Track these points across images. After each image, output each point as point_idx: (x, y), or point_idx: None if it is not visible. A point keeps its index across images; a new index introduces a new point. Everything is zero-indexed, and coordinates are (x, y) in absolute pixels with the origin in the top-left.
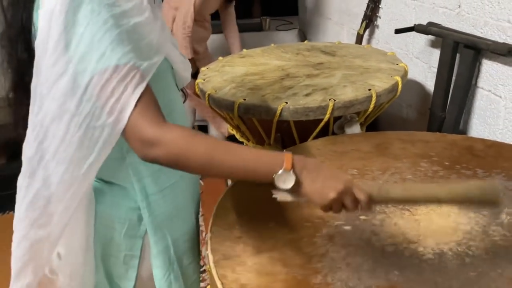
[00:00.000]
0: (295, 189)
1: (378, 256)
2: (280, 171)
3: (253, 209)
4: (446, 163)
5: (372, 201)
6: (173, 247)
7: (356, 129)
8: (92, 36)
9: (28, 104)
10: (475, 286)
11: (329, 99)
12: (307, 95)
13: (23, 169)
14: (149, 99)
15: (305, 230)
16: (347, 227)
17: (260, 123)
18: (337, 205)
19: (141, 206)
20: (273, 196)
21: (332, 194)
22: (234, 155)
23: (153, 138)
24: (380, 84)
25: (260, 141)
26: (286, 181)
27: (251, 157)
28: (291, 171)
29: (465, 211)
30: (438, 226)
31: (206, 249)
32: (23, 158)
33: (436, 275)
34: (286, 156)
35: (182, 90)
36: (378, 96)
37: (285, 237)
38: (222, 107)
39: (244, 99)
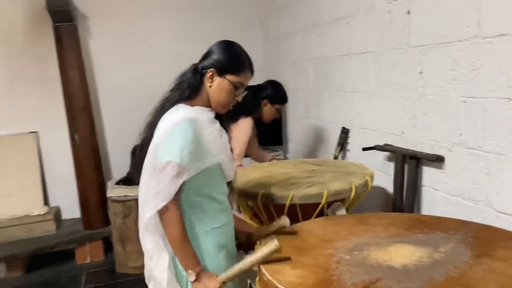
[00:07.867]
0: (194, 283)
1: (368, 267)
2: (191, 270)
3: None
4: (405, 226)
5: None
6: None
7: (343, 211)
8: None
9: (140, 156)
10: (425, 277)
11: (324, 190)
12: (308, 187)
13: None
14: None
15: (321, 259)
16: (347, 257)
17: (274, 207)
18: None
19: None
20: None
21: None
22: (183, 247)
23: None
24: (357, 180)
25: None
26: (191, 277)
27: (189, 254)
28: (195, 273)
29: (420, 247)
30: (402, 254)
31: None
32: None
33: (403, 273)
34: (198, 265)
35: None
36: (356, 188)
37: (310, 262)
38: (248, 196)
39: (264, 190)
